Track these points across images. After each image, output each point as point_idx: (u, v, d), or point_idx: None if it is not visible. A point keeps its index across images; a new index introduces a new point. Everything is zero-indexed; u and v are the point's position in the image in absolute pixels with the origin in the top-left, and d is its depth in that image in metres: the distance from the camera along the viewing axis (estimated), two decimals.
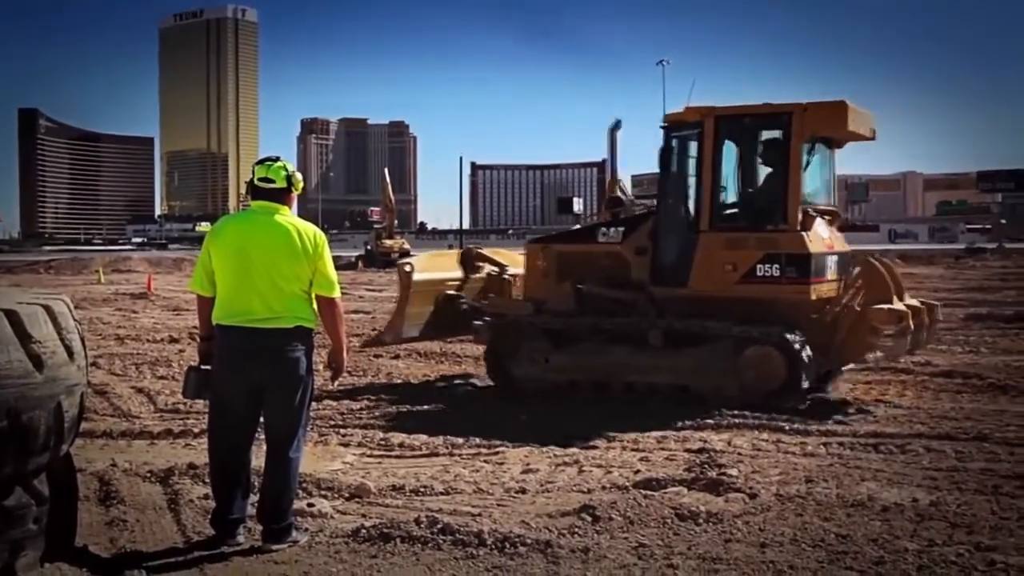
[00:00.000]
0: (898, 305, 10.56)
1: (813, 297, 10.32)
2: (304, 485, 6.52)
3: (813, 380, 10.21)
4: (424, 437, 8.76)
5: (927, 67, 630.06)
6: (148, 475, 7.06)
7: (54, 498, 4.87)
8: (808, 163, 10.57)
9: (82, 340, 4.90)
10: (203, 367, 5.66)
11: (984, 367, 12.41)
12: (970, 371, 11.96)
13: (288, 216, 5.61)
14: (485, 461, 7.88)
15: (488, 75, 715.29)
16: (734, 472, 7.17)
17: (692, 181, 10.97)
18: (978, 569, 5.05)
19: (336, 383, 7.36)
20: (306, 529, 5.76)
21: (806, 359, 9.95)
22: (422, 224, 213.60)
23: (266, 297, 5.39)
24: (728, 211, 10.98)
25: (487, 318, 11.60)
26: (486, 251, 12.58)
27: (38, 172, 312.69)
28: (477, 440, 8.59)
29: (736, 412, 9.50)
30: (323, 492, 6.65)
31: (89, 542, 5.44)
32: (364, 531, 5.67)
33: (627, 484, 6.95)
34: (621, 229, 11.39)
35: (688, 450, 8.14)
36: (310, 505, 6.27)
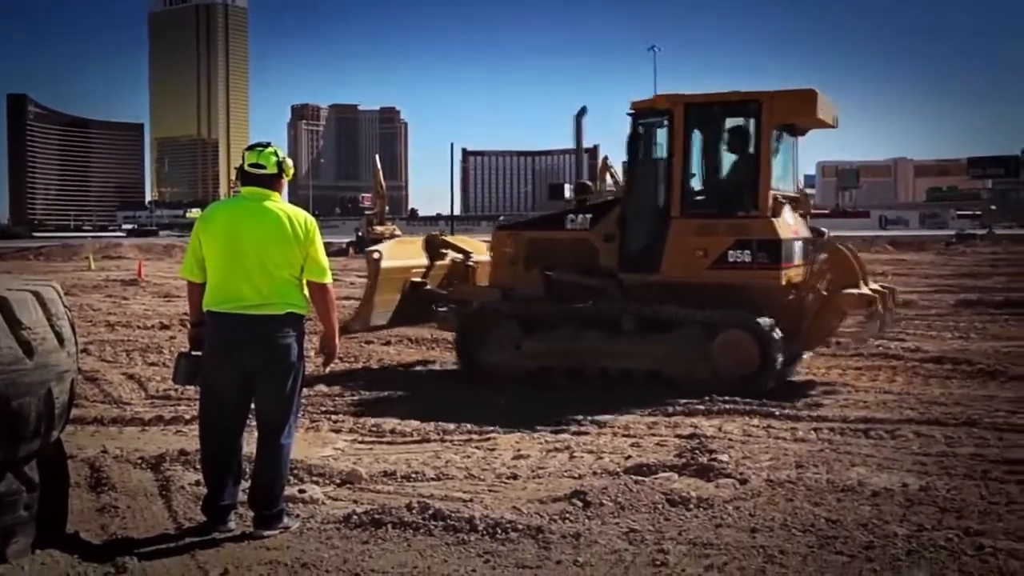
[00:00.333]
0: (865, 289, 10.79)
1: (783, 282, 10.52)
2: (295, 471, 6.52)
3: (783, 364, 10.39)
4: (415, 423, 8.77)
5: (918, 54, 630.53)
6: (139, 462, 7.05)
7: (45, 485, 4.87)
8: (776, 150, 10.73)
9: (72, 327, 4.89)
10: (194, 353, 5.65)
11: (974, 353, 12.44)
12: (960, 357, 11.99)
13: (279, 202, 5.59)
14: (476, 447, 7.89)
15: (479, 61, 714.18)
16: (725, 458, 7.19)
17: (662, 168, 11.07)
18: (967, 553, 5.07)
19: (328, 369, 7.38)
20: (297, 515, 5.76)
21: (778, 343, 10.13)
22: (413, 210, 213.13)
23: (257, 283, 5.38)
24: (699, 198, 11.11)
25: (452, 305, 11.65)
26: (450, 238, 12.55)
27: (27, 159, 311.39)
28: (468, 426, 8.60)
29: (727, 398, 9.53)
30: (314, 478, 6.65)
31: (80, 529, 5.44)
32: (355, 517, 5.67)
33: (618, 470, 6.96)
34: (589, 216, 11.41)
35: (679, 436, 8.16)
36: (301, 491, 6.26)
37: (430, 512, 5.65)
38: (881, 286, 11.38)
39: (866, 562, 4.99)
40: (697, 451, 7.40)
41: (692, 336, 10.39)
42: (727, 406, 9.28)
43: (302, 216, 5.56)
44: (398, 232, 12.11)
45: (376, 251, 11.15)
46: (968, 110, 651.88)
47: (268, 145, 5.70)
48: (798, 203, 11.43)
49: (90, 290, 25.26)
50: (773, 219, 10.49)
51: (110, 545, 5.25)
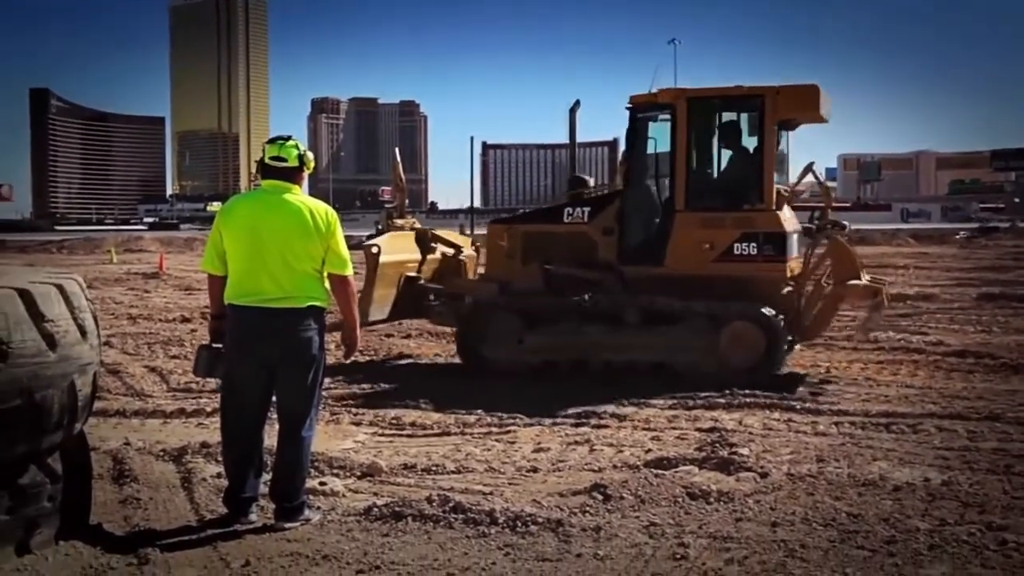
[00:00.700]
0: (867, 281, 11.03)
1: (788, 274, 10.72)
2: (316, 464, 6.54)
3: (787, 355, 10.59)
4: (436, 416, 8.80)
5: (941, 45, 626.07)
6: (161, 454, 7.09)
7: (68, 476, 4.91)
8: (776, 144, 10.81)
9: (95, 319, 4.92)
10: (215, 346, 5.67)
11: (996, 347, 12.37)
12: (982, 351, 11.93)
13: (299, 195, 5.60)
14: (496, 440, 7.90)
15: (499, 54, 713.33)
16: (745, 451, 7.17)
17: (664, 161, 11.17)
18: (990, 548, 5.04)
19: (349, 361, 7.39)
20: (318, 508, 5.79)
21: (783, 334, 10.34)
22: (433, 204, 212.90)
23: (278, 277, 5.39)
24: (703, 191, 11.12)
25: (445, 300, 11.63)
26: (440, 232, 12.48)
27: (50, 152, 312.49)
28: (488, 419, 8.62)
29: (747, 391, 9.55)
30: (335, 471, 6.67)
31: (103, 520, 5.48)
32: (376, 510, 5.69)
33: (638, 463, 6.96)
34: (587, 209, 11.41)
35: (699, 429, 8.15)
36: (322, 484, 6.29)
37: (450, 505, 5.66)
38: (873, 279, 11.51)
39: (888, 557, 4.97)
40: (717, 445, 7.40)
41: (699, 328, 10.51)
42: (747, 400, 9.28)
43: (323, 209, 5.57)
44: (418, 225, 12.06)
45: (375, 245, 11.10)
46: (991, 102, 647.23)
47: (289, 138, 5.71)
48: (789, 197, 11.44)
49: (112, 283, 25.40)
50: (778, 212, 10.64)
51: (133, 537, 5.28)
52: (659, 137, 11.25)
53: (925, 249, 42.17)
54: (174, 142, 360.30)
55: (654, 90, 11.09)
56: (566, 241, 11.39)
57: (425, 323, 13.65)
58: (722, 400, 9.28)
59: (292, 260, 5.41)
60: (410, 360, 12.41)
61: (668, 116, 10.96)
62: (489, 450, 7.55)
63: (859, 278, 10.99)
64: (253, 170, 6.49)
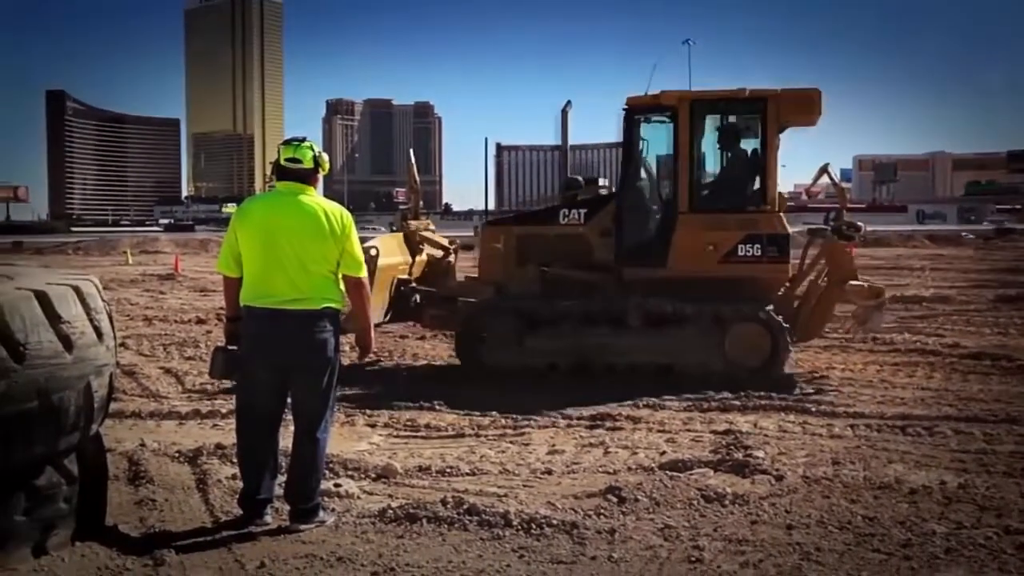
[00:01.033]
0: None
1: (790, 275, 10.96)
2: (331, 466, 6.56)
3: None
4: (450, 418, 8.81)
5: (957, 46, 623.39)
6: (177, 455, 7.11)
7: (84, 478, 4.93)
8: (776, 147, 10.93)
9: (111, 321, 4.94)
10: (230, 348, 5.68)
11: (1013, 349, 12.31)
12: (999, 353, 11.88)
13: (315, 197, 5.61)
14: (511, 442, 7.90)
15: (514, 56, 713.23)
16: (760, 454, 7.15)
17: (664, 163, 11.28)
18: (1007, 552, 5.02)
19: (364, 363, 7.40)
20: (333, 509, 5.80)
21: (787, 334, 10.45)
22: (447, 205, 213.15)
23: (294, 278, 5.40)
24: (706, 193, 11.25)
25: (440, 303, 11.60)
26: (428, 234, 12.42)
27: (66, 154, 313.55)
28: (503, 421, 8.62)
29: (763, 394, 9.56)
30: (350, 473, 6.68)
31: (119, 521, 5.49)
32: (391, 512, 5.69)
33: (653, 465, 6.95)
34: (583, 211, 11.42)
35: (714, 432, 8.13)
36: (337, 486, 6.29)
37: (465, 507, 5.66)
38: (867, 281, 11.67)
39: (904, 560, 4.95)
40: (733, 447, 7.38)
41: (705, 329, 10.58)
42: (762, 402, 9.27)
43: (338, 211, 5.58)
44: (432, 227, 12.02)
45: (373, 247, 11.09)
46: (1008, 103, 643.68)
47: (304, 140, 5.71)
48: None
49: (128, 284, 25.49)
50: (781, 214, 10.79)
51: (148, 538, 5.30)
52: (656, 139, 11.36)
53: (941, 251, 42.02)
54: (189, 144, 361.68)
55: (653, 92, 11.12)
56: (562, 243, 11.41)
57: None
58: (737, 402, 9.27)
59: (307, 262, 5.41)
60: (425, 362, 12.41)
61: (666, 118, 11.03)
62: (503, 452, 7.54)
63: (856, 279, 11.21)
64: (268, 172, 6.49)
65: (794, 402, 9.23)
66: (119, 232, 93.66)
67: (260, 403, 5.56)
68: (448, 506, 5.70)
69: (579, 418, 8.73)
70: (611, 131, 11.50)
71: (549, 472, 6.89)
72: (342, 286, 5.59)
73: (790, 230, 10.82)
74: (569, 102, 11.48)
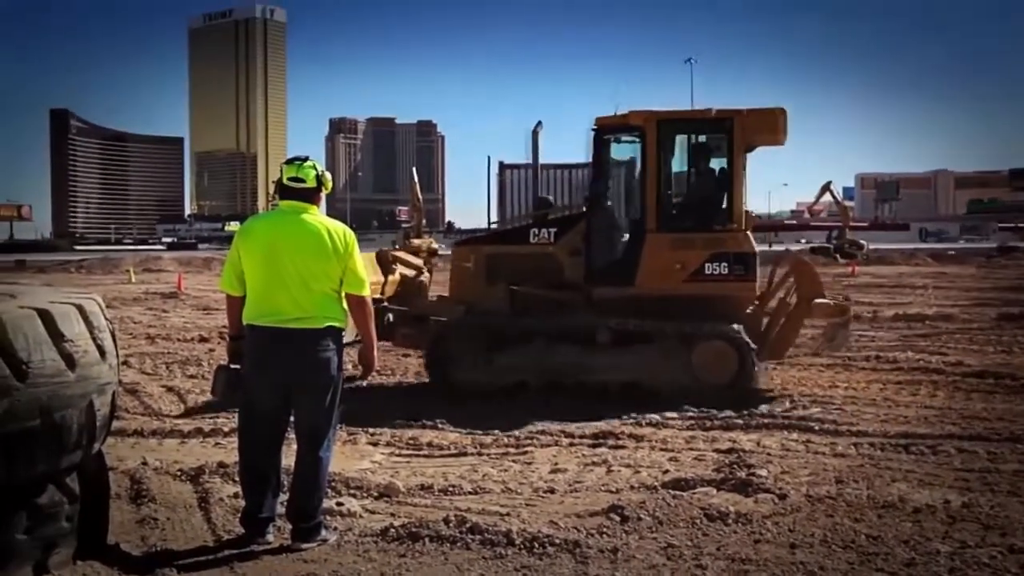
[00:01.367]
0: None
1: (757, 293, 11.07)
2: (333, 484, 6.54)
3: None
4: (452, 436, 8.80)
5: (958, 64, 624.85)
6: (179, 474, 7.10)
7: (86, 496, 4.92)
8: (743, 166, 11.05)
9: (113, 339, 4.94)
10: (232, 366, 5.68)
11: (1017, 367, 12.27)
12: (1003, 371, 11.85)
13: (317, 215, 5.63)
14: (513, 461, 7.88)
15: (516, 75, 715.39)
16: (763, 472, 7.13)
17: (633, 183, 11.43)
18: (1011, 571, 5.00)
19: (366, 381, 7.40)
20: (335, 528, 5.78)
21: (753, 352, 10.51)
22: (450, 223, 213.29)
23: (296, 297, 5.41)
24: (674, 212, 11.36)
25: (411, 322, 11.58)
26: (400, 253, 12.41)
27: (69, 172, 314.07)
28: (505, 439, 8.61)
29: (765, 412, 9.58)
30: (352, 491, 6.67)
31: (120, 540, 5.48)
32: (393, 530, 5.68)
33: (656, 484, 6.93)
34: (553, 230, 11.44)
35: (717, 450, 8.12)
36: (339, 504, 6.28)
37: (467, 526, 5.65)
38: (835, 298, 11.92)
39: None
40: (735, 466, 7.36)
41: (673, 347, 10.63)
42: (765, 420, 9.26)
43: (341, 229, 5.59)
44: (435, 245, 12.03)
45: None
46: (1010, 121, 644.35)
47: (307, 159, 5.72)
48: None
49: (131, 303, 25.51)
50: (748, 232, 10.90)
51: (150, 557, 5.29)
52: (625, 158, 11.52)
53: (943, 269, 41.99)
54: (192, 162, 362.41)
55: (621, 112, 11.21)
56: (532, 262, 11.41)
57: None
58: (740, 421, 9.26)
59: (310, 280, 5.43)
60: (427, 380, 12.39)
61: (635, 137, 11.14)
62: (506, 471, 7.53)
63: (823, 296, 11.37)
64: (271, 190, 6.51)
65: (797, 420, 9.22)
66: (122, 250, 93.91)
67: (262, 421, 5.55)
68: (450, 525, 5.68)
69: (581, 436, 8.72)
70: (621, 149, 11.52)
71: (552, 491, 6.87)
72: (345, 304, 5.60)
73: (756, 248, 10.91)
74: (540, 123, 11.56)
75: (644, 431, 8.93)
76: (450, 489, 6.87)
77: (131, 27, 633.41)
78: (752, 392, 10.66)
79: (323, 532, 5.59)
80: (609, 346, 10.74)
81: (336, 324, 5.52)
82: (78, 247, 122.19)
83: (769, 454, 7.95)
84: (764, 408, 9.94)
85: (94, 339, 4.69)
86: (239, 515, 5.71)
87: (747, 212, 11.12)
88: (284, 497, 5.72)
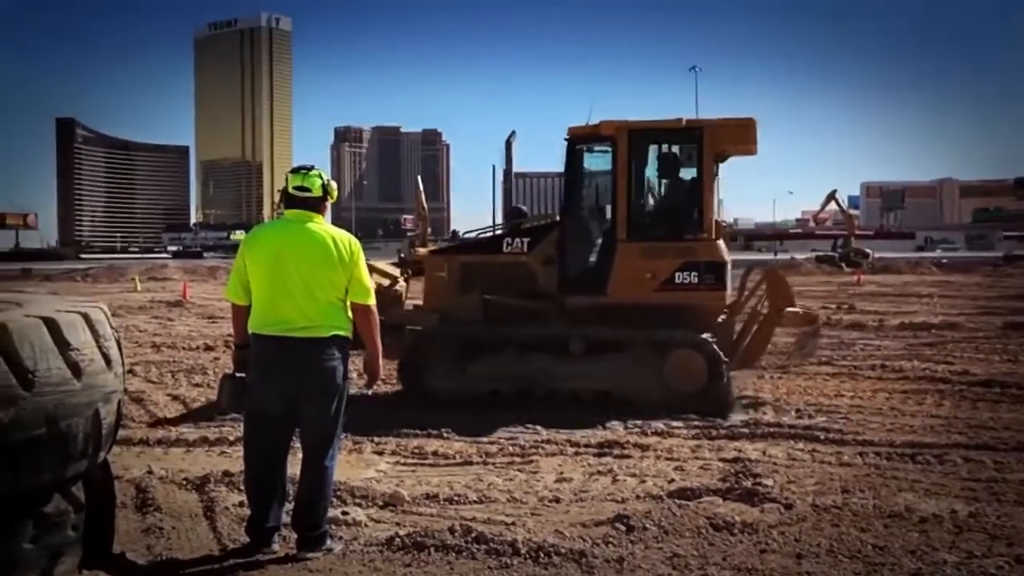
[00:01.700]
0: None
1: (728, 302, 11.16)
2: (339, 493, 6.54)
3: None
4: (458, 445, 8.79)
5: (963, 72, 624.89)
6: (184, 483, 7.10)
7: (91, 505, 4.92)
8: (714, 176, 11.17)
9: (119, 348, 4.94)
10: (238, 375, 5.69)
11: (1023, 376, 12.25)
12: (1009, 380, 11.84)
13: (323, 224, 5.63)
14: (519, 470, 7.87)
15: (522, 83, 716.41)
16: (769, 482, 7.12)
17: (604, 192, 11.49)
18: None
19: (372, 390, 7.39)
20: (340, 537, 5.78)
21: (724, 361, 10.55)
22: (455, 232, 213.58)
23: (302, 306, 5.41)
24: (645, 222, 11.46)
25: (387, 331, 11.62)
26: (376, 263, 12.43)
27: (75, 181, 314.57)
28: (511, 448, 8.60)
29: (771, 421, 9.56)
30: (357, 500, 6.67)
31: (126, 549, 5.47)
32: (398, 540, 5.67)
33: (661, 494, 6.93)
34: (527, 239, 11.48)
35: (723, 459, 8.10)
36: (344, 513, 6.28)
37: (473, 535, 5.64)
38: (804, 308, 12.03)
39: None
40: (741, 475, 7.34)
41: (644, 356, 10.66)
42: (771, 430, 9.25)
43: (346, 238, 5.59)
44: None
45: None
46: (1015, 130, 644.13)
47: (312, 168, 5.74)
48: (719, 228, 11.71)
49: (136, 311, 25.53)
50: (718, 242, 10.97)
51: (156, 566, 5.29)
52: (597, 168, 11.54)
53: (949, 277, 41.94)
54: (198, 171, 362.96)
55: (593, 122, 11.26)
56: (505, 271, 11.44)
57: None
58: (746, 430, 9.26)
59: (316, 289, 5.43)
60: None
61: (607, 147, 11.19)
62: (511, 480, 7.52)
63: (794, 305, 11.54)
64: (276, 199, 6.52)
65: (803, 430, 9.21)
66: (128, 259, 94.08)
67: (268, 430, 5.55)
68: (456, 534, 5.68)
69: (587, 445, 8.71)
70: (594, 159, 11.59)
71: (557, 500, 6.87)
72: (350, 313, 5.60)
73: (727, 258, 10.97)
74: (513, 132, 11.60)
75: (649, 440, 8.93)
76: (455, 498, 6.87)
77: (136, 36, 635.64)
78: (759, 401, 10.66)
79: (328, 541, 5.58)
80: (582, 355, 10.80)
81: (341, 333, 5.52)
82: (84, 255, 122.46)
83: (775, 463, 7.94)
84: (769, 417, 9.93)
85: (100, 348, 4.69)
86: (244, 524, 5.72)
87: (718, 222, 11.22)
88: (289, 506, 5.72)
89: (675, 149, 11.58)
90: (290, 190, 5.65)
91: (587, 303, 11.04)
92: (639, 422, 9.61)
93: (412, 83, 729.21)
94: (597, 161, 11.55)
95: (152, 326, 21.27)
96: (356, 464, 8.03)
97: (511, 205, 13.93)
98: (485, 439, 8.96)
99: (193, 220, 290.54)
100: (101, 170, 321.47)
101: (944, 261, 54.43)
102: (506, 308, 11.26)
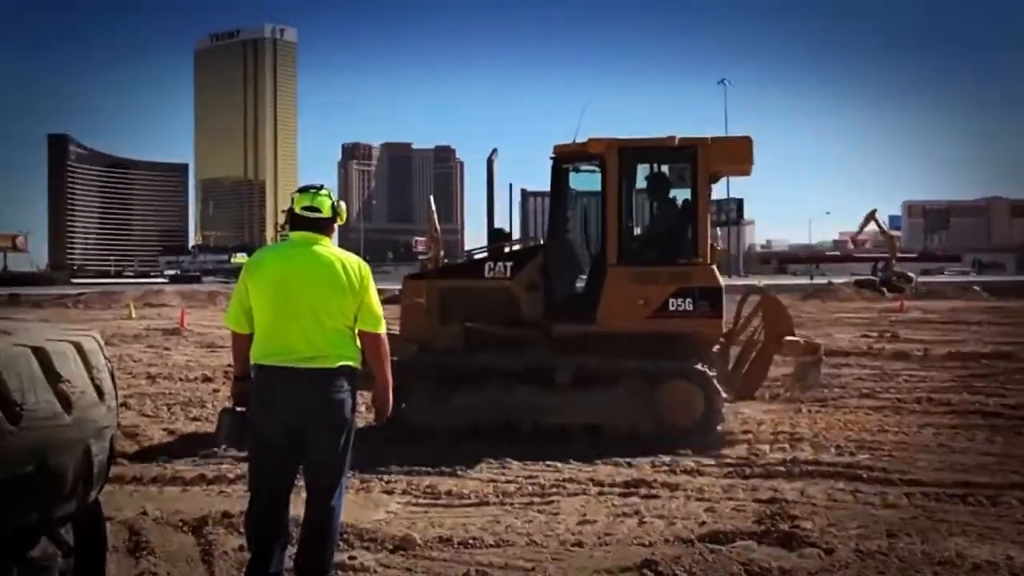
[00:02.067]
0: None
1: (724, 330, 11.22)
2: (345, 536, 6.52)
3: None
4: (472, 484, 8.75)
5: (1011, 83, 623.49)
6: (180, 524, 7.09)
7: (81, 548, 4.89)
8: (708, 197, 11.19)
9: (112, 379, 4.93)
10: (238, 409, 5.65)
11: None
12: None
13: (331, 247, 5.62)
14: (538, 511, 7.83)
15: (536, 98, 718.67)
16: (808, 525, 7.07)
17: (593, 214, 11.57)
18: None
19: (381, 424, 7.37)
20: None
21: (721, 392, 10.60)
22: (469, 252, 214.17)
23: (309, 334, 5.39)
24: (636, 245, 11.48)
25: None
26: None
27: (68, 201, 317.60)
28: (529, 487, 8.56)
29: (809, 458, 9.51)
30: (366, 544, 6.64)
31: None
32: None
33: (692, 537, 6.87)
34: (510, 264, 11.47)
35: (757, 500, 8.04)
36: (352, 558, 6.26)
37: None
38: (805, 337, 12.11)
39: None
40: (778, 517, 7.29)
41: (635, 387, 10.70)
42: (810, 468, 9.18)
43: (356, 262, 5.58)
44: None
45: None
46: None
47: (322, 187, 5.72)
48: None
49: (130, 339, 25.64)
50: (714, 266, 11.01)
51: None
52: (585, 188, 11.64)
53: (1001, 303, 41.72)
54: (197, 190, 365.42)
55: (580, 139, 11.26)
56: (487, 298, 11.43)
57: None
58: (782, 468, 9.19)
59: (324, 317, 5.41)
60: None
61: (595, 166, 11.22)
62: (530, 522, 7.48)
63: (793, 333, 11.58)
64: (281, 220, 6.53)
65: (844, 468, 9.14)
66: (122, 284, 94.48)
67: (270, 468, 5.52)
68: None
69: (611, 484, 8.66)
70: (581, 179, 11.66)
71: (580, 544, 6.82)
72: (358, 342, 5.58)
73: (723, 283, 10.97)
74: (495, 150, 11.56)
75: (679, 479, 8.87)
76: (471, 541, 6.83)
77: (134, 48, 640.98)
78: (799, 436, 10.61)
79: None
80: (569, 386, 10.81)
81: (350, 363, 5.49)
82: (76, 280, 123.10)
83: (814, 504, 7.88)
84: (808, 454, 9.86)
85: (92, 379, 4.68)
86: (244, 569, 5.68)
87: (713, 245, 11.24)
88: (293, 550, 5.69)
89: (667, 169, 11.62)
90: (297, 210, 5.63)
91: (575, 331, 11.04)
92: (667, 459, 9.57)
93: (424, 97, 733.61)
94: (585, 181, 11.60)
95: (147, 355, 21.33)
96: (364, 504, 8.01)
97: (492, 227, 13.77)
98: (502, 477, 8.92)
99: (192, 242, 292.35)
100: (95, 189, 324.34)
101: (977, 288, 54.02)
102: (488, 337, 11.25)
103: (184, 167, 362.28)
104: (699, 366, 10.64)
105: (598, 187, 11.20)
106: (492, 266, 11.50)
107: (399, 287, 13.27)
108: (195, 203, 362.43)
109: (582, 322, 10.99)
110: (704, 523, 7.33)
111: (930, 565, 6.15)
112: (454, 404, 10.94)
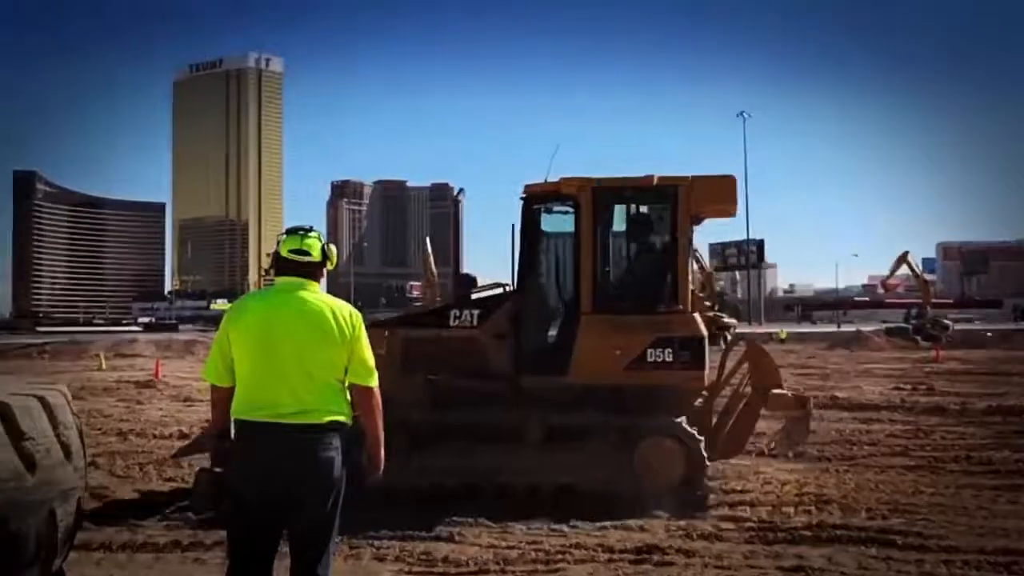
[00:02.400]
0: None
1: (706, 383, 11.16)
2: None
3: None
4: (471, 550, 8.72)
5: None
6: None
7: None
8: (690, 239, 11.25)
9: (80, 437, 4.93)
10: (216, 470, 5.61)
11: None
12: None
13: (319, 293, 5.61)
14: None
15: (536, 130, 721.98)
16: None
17: (565, 259, 11.56)
18: None
19: (372, 484, 7.33)
20: None
21: (705, 449, 10.61)
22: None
23: (296, 388, 5.36)
24: (612, 292, 11.46)
25: None
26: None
27: (34, 243, 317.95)
28: (533, 554, 8.53)
29: (838, 522, 9.47)
30: None
31: None
32: None
33: None
34: (476, 312, 11.43)
35: (781, 568, 8.02)
36: None
37: None
38: (793, 390, 12.20)
39: None
40: None
41: (612, 445, 10.69)
42: (838, 532, 9.15)
43: (347, 310, 5.57)
44: None
45: None
46: None
47: (311, 229, 5.71)
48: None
49: (100, 393, 25.62)
50: (695, 315, 10.99)
51: None
52: (558, 230, 11.60)
53: None
54: (175, 231, 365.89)
55: (552, 179, 11.32)
56: (453, 348, 11.37)
57: None
58: (808, 532, 9.15)
59: (312, 369, 5.38)
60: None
61: (568, 207, 11.26)
62: None
63: (780, 386, 11.59)
64: (265, 264, 6.54)
65: (876, 532, 9.10)
66: (92, 332, 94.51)
67: (252, 535, 5.47)
68: None
69: (622, 551, 8.63)
70: (553, 221, 11.66)
71: None
72: (348, 396, 5.57)
73: (705, 332, 10.94)
74: (462, 190, 11.68)
75: (695, 545, 8.84)
76: None
77: (108, 78, 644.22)
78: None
79: None
80: (540, 444, 10.79)
81: (340, 419, 5.47)
82: (41, 328, 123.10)
83: (843, 573, 7.86)
84: (836, 517, 9.82)
85: (58, 437, 4.68)
86: None
87: (693, 292, 11.31)
88: None
89: (646, 210, 11.70)
90: (284, 254, 5.60)
91: (546, 384, 11.02)
92: (682, 523, 9.55)
93: (419, 132, 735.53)
94: (558, 223, 11.59)
95: (118, 410, 21.32)
96: (354, 573, 7.99)
97: (459, 272, 13.77)
98: (503, 543, 8.89)
99: (168, 287, 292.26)
100: (63, 230, 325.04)
101: (989, 335, 53.94)
102: (454, 390, 11.20)
103: (161, 206, 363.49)
104: (680, 421, 10.62)
105: (571, 229, 11.23)
106: (458, 314, 11.46)
107: None
108: (172, 245, 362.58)
109: (554, 374, 10.95)
110: None
111: None
112: (417, 464, 10.81)
